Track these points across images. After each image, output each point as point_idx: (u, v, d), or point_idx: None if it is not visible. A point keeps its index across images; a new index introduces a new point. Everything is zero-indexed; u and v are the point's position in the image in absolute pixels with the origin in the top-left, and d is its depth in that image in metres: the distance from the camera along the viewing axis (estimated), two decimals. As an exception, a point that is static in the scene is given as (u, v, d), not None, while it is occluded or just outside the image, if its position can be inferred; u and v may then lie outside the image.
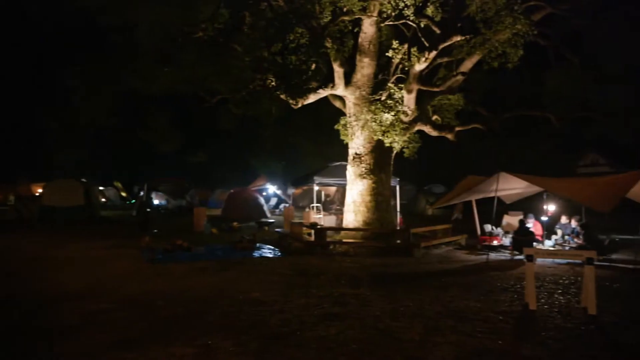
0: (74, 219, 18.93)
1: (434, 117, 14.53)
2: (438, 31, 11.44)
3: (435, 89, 13.15)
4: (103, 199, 30.46)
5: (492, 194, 12.02)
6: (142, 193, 26.13)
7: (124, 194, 38.69)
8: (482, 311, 6.60)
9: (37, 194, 29.94)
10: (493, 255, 11.50)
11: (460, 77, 12.99)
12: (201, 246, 12.58)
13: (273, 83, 11.32)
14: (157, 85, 14.29)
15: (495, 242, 12.72)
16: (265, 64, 10.91)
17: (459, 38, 11.42)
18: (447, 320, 6.12)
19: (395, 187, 15.80)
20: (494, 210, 11.66)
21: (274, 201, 28.66)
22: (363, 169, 13.50)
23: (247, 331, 5.62)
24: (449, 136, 14.00)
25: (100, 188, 31.14)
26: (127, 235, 15.31)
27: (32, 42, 27.79)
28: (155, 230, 15.69)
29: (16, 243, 12.95)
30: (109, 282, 8.33)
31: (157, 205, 26.30)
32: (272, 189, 28.49)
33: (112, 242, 13.36)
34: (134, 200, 34.12)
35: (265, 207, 21.79)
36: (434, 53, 11.74)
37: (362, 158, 13.56)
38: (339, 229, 14.20)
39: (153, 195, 24.96)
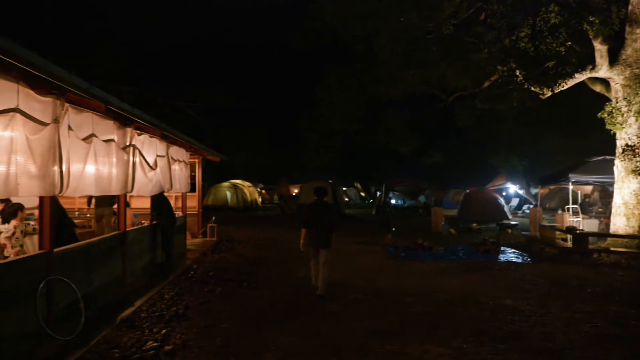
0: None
1: None
2: None
3: None
4: (346, 198, 33.50)
5: None
6: (379, 193, 27.62)
7: (362, 194, 41.90)
8: None
9: (294, 194, 35.05)
10: None
11: None
12: (441, 246, 12.47)
13: (522, 72, 10.28)
14: (397, 89, 14.79)
15: None
16: (514, 51, 9.97)
17: None
18: None
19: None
20: None
21: (515, 201, 26.43)
22: (638, 164, 11.12)
23: (505, 340, 5.19)
24: None
25: (344, 188, 34.37)
26: (369, 232, 16.36)
27: (289, 62, 32.83)
28: (394, 229, 16.30)
29: (282, 235, 15.29)
30: (360, 275, 8.98)
31: (395, 205, 27.41)
32: (513, 188, 26.30)
33: (357, 238, 14.45)
34: (371, 200, 36.48)
35: (506, 208, 20.21)
36: None
37: (637, 150, 11.17)
38: (606, 235, 12.03)
39: (390, 195, 26.10)
